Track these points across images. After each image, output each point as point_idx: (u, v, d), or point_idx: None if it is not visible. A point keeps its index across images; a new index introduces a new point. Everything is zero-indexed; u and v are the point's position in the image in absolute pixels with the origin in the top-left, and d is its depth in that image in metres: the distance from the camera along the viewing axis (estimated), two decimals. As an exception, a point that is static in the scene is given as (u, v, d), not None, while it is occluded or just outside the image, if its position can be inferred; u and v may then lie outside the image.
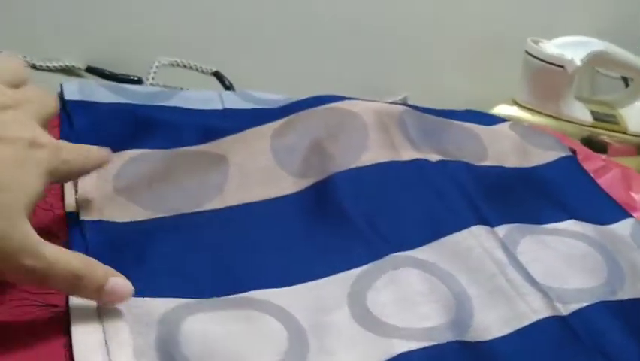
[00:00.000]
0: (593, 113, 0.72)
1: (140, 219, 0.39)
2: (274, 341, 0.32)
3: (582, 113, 0.72)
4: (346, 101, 0.51)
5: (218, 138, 0.47)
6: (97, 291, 0.30)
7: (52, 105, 0.34)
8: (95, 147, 0.37)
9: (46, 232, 0.34)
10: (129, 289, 0.31)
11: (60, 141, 0.33)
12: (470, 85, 0.77)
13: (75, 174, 0.35)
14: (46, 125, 0.33)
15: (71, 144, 0.36)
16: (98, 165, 0.36)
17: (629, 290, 0.40)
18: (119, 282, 0.31)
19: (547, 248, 0.42)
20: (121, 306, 0.31)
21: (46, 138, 0.31)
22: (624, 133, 0.74)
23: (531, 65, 0.68)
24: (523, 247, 0.42)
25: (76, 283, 0.30)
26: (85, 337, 0.30)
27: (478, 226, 0.42)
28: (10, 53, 0.35)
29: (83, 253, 0.35)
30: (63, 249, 0.30)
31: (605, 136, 0.75)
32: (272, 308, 0.34)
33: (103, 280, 0.30)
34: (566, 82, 0.68)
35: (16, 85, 0.32)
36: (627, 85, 0.83)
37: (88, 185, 0.39)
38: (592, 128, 0.72)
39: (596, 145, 0.71)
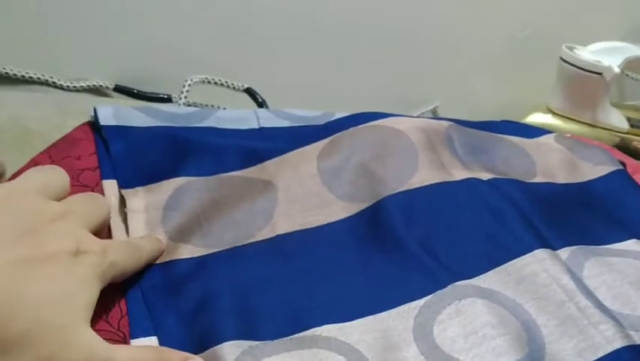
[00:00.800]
0: (629, 119, 0.71)
1: (194, 256, 0.37)
2: None
3: (618, 120, 0.70)
4: (390, 119, 0.49)
5: (260, 160, 0.46)
6: None
7: (99, 208, 0.34)
8: (146, 237, 0.37)
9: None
10: None
11: (109, 241, 0.33)
12: (501, 92, 0.76)
13: (128, 273, 0.34)
14: (101, 227, 0.33)
15: (120, 241, 0.36)
16: (152, 258, 0.36)
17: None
18: None
19: (613, 271, 0.40)
20: None
21: (90, 243, 0.30)
22: (660, 139, 0.73)
23: (567, 72, 0.67)
24: (589, 270, 0.40)
25: None
26: None
27: (541, 250, 0.40)
28: (51, 166, 0.35)
29: (140, 297, 0.34)
30: (131, 347, 0.30)
31: (638, 142, 0.73)
32: (340, 346, 0.33)
33: None
34: (603, 89, 0.66)
35: (59, 196, 0.32)
36: (658, 89, 0.82)
37: (137, 229, 0.38)
38: (628, 135, 0.70)
39: (629, 152, 0.69)
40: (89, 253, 0.30)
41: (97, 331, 0.28)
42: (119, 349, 0.28)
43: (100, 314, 0.30)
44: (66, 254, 0.28)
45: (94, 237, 0.31)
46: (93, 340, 0.28)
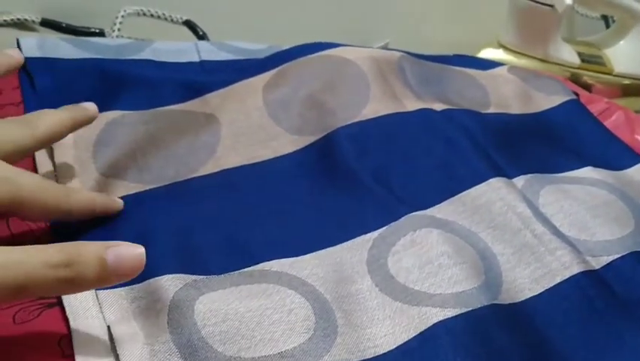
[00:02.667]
0: (579, 54, 0.70)
1: (130, 193, 0.34)
2: (299, 316, 0.29)
3: (570, 54, 0.69)
4: (339, 49, 0.47)
5: (201, 94, 0.43)
6: (98, 267, 0.23)
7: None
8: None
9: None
10: (138, 253, 0.24)
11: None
12: (453, 28, 0.74)
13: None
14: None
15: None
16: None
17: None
18: (122, 250, 0.24)
19: (570, 198, 0.39)
20: (124, 293, 0.27)
21: None
22: (610, 74, 0.72)
23: (518, 5, 0.65)
24: (544, 198, 0.39)
25: (72, 260, 0.23)
26: (86, 331, 0.26)
27: (496, 179, 0.39)
28: None
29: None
30: None
31: (587, 77, 0.72)
32: (291, 281, 0.31)
33: (101, 252, 0.24)
34: (554, 22, 0.65)
35: None
36: (607, 25, 0.81)
37: (65, 164, 0.35)
38: (579, 70, 0.70)
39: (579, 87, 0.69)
40: None
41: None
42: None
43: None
44: None
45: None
46: None
